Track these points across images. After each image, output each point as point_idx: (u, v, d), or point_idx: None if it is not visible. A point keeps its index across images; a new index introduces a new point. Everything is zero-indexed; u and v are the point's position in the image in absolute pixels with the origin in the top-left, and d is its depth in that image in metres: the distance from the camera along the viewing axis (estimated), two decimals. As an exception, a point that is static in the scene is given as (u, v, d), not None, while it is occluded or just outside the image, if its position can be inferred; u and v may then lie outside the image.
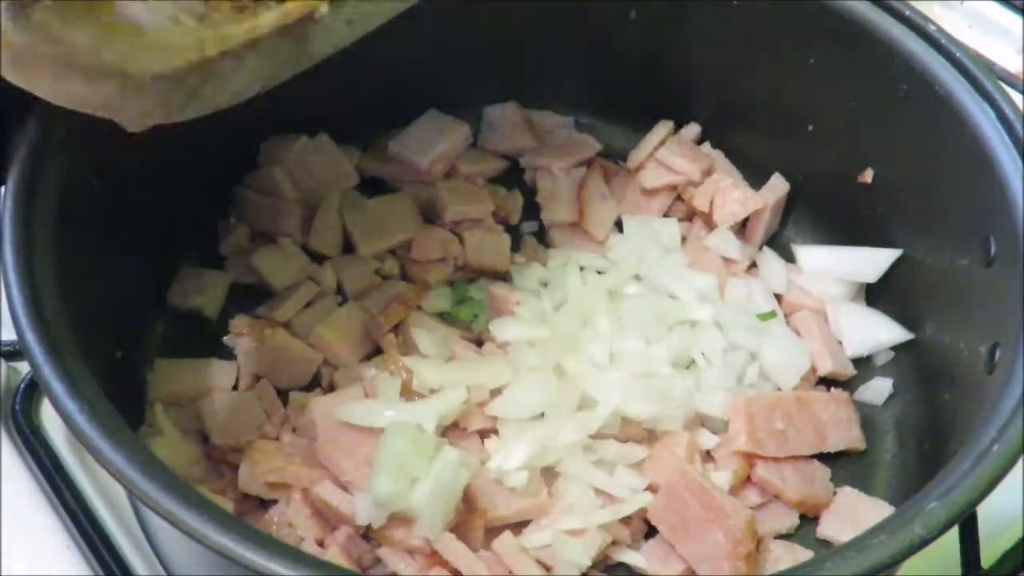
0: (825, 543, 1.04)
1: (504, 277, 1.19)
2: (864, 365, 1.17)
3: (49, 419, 1.09)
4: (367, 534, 0.97)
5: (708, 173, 1.26)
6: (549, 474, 1.01)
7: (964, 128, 1.01)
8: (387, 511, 0.94)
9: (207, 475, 1.02)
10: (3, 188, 0.86)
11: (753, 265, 1.24)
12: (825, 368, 1.14)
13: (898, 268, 1.16)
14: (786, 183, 1.25)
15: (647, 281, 1.18)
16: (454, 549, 0.93)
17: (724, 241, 1.22)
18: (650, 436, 1.06)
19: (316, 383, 1.10)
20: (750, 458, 1.05)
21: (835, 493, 1.06)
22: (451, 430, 1.04)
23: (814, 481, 1.06)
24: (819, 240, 1.25)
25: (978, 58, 1.06)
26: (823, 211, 1.25)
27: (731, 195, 1.22)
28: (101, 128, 0.80)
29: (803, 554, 1.01)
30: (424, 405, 1.02)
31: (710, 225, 1.24)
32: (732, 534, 0.95)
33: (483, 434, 1.04)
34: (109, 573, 0.99)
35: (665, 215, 1.26)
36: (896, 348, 1.16)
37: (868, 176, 1.16)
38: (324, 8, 0.84)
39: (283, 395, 1.08)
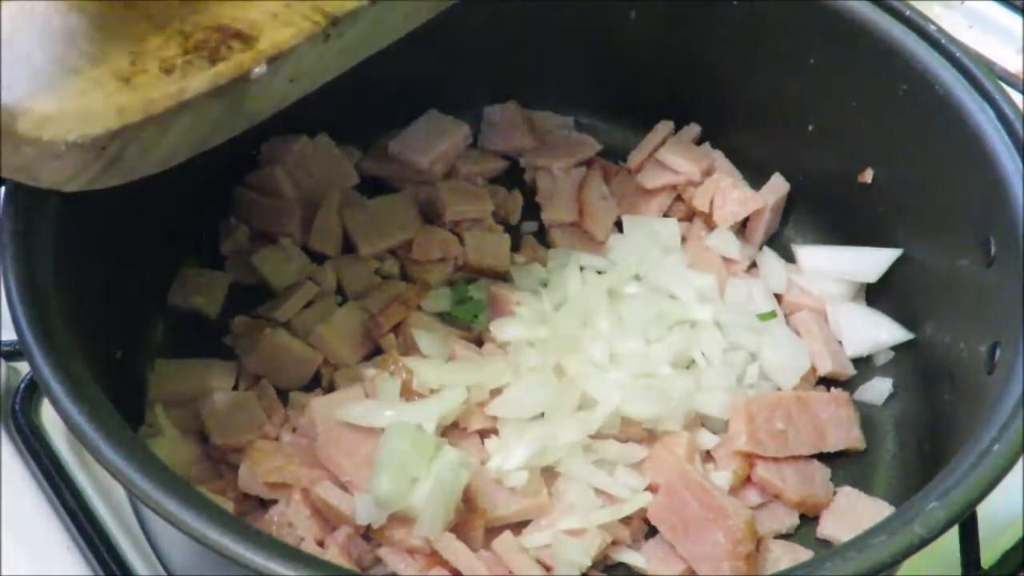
0: (825, 543, 1.04)
1: (504, 277, 1.19)
2: (864, 365, 1.17)
3: (49, 419, 1.09)
4: (367, 534, 0.97)
5: (708, 173, 1.26)
6: (549, 474, 1.01)
7: (964, 128, 1.01)
8: (387, 511, 0.94)
9: (207, 475, 1.02)
10: (2, 188, 0.86)
11: (753, 265, 1.24)
12: (825, 368, 1.14)
13: (898, 268, 1.16)
14: (786, 183, 1.25)
15: (647, 281, 1.18)
16: (454, 549, 0.93)
17: (724, 241, 1.22)
18: (650, 436, 1.06)
19: (316, 383, 1.10)
20: (750, 458, 1.05)
21: (835, 493, 1.06)
22: (451, 430, 1.04)
23: (814, 481, 1.06)
24: (819, 240, 1.25)
25: (978, 58, 1.06)
26: (823, 211, 1.25)
27: (731, 195, 1.23)
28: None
29: (803, 554, 1.01)
30: (424, 405, 1.02)
31: (710, 225, 1.24)
32: (732, 534, 0.95)
33: (483, 434, 1.04)
34: (109, 573, 0.99)
35: (665, 215, 1.26)
36: (896, 348, 1.16)
37: (868, 176, 1.16)
38: (261, 68, 0.79)
39: (283, 395, 1.08)
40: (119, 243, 0.99)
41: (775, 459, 1.05)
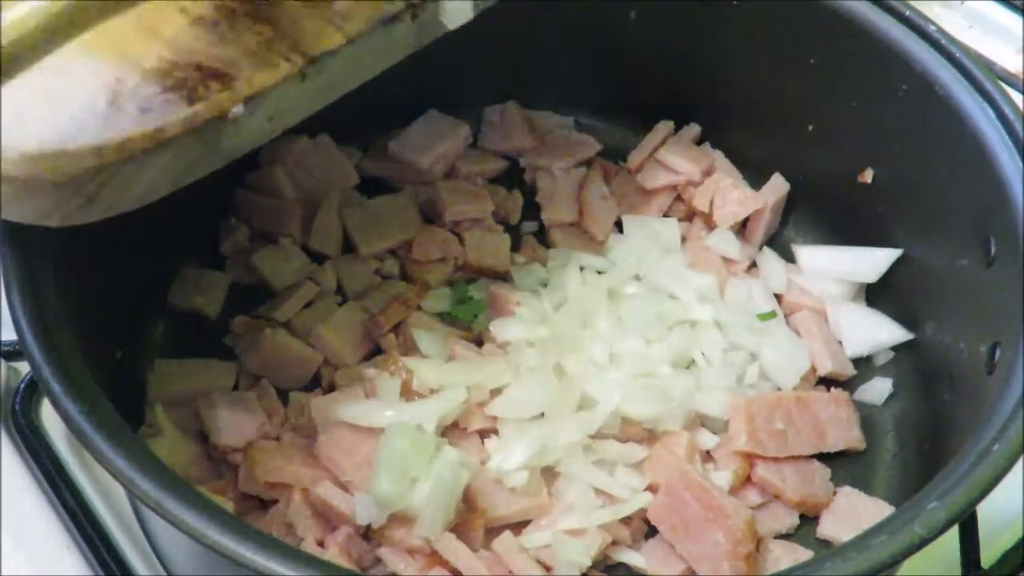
0: (825, 543, 1.04)
1: (504, 277, 1.19)
2: (864, 365, 1.17)
3: (49, 419, 1.09)
4: (367, 534, 0.97)
5: (708, 173, 1.26)
6: (549, 474, 1.01)
7: (964, 128, 1.01)
8: (387, 511, 0.94)
9: (207, 475, 1.02)
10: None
11: (753, 265, 1.24)
12: (825, 368, 1.14)
13: (898, 268, 1.16)
14: (786, 183, 1.25)
15: (647, 281, 1.18)
16: (454, 549, 0.93)
17: (724, 241, 1.22)
18: (650, 436, 1.06)
19: (316, 383, 1.10)
20: (750, 458, 1.05)
21: (835, 493, 1.06)
22: (451, 430, 1.04)
23: (814, 481, 1.06)
24: (819, 240, 1.25)
25: (978, 58, 1.06)
26: (823, 211, 1.25)
27: (731, 195, 1.23)
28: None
29: (803, 554, 1.01)
30: (424, 405, 1.02)
31: (710, 225, 1.24)
32: (732, 534, 0.95)
33: (483, 434, 1.04)
34: (109, 573, 0.99)
35: (665, 215, 1.26)
36: (896, 348, 1.16)
37: (868, 176, 1.16)
38: (239, 108, 0.79)
39: (283, 395, 1.08)
40: (119, 243, 0.98)
41: (775, 459, 1.05)
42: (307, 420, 1.03)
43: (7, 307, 0.82)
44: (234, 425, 1.02)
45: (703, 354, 1.11)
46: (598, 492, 1.01)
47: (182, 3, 0.81)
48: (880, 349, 1.16)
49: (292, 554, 0.71)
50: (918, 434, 1.11)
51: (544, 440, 1.00)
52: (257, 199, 1.22)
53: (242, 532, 0.71)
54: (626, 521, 1.00)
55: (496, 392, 1.05)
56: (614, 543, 0.99)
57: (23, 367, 1.11)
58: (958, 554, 1.01)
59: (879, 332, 1.16)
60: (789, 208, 1.27)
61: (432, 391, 1.04)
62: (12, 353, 1.08)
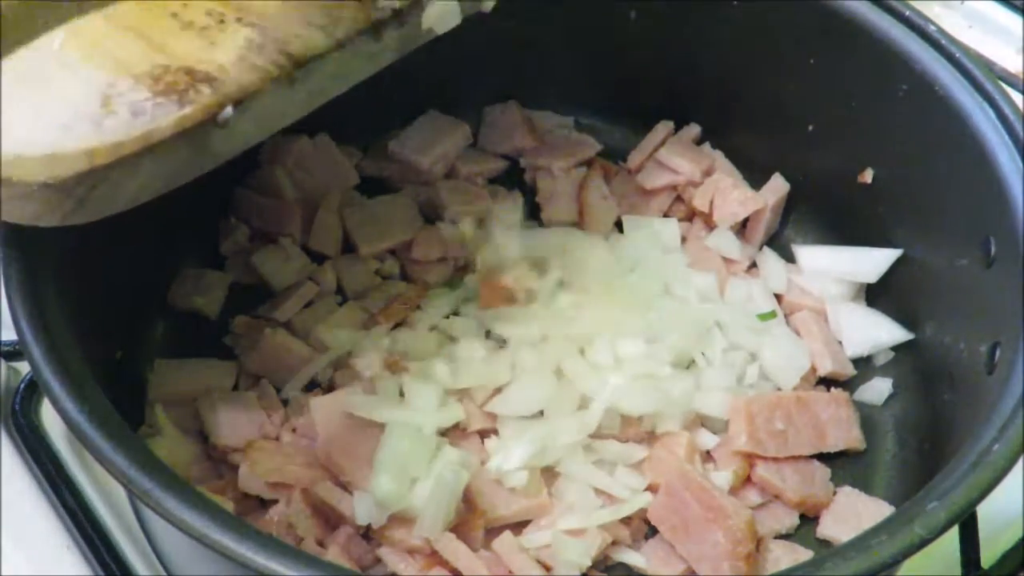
0: (825, 543, 1.04)
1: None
2: (864, 365, 1.17)
3: (49, 419, 1.09)
4: (367, 534, 0.97)
5: (708, 173, 1.26)
6: (549, 474, 1.01)
7: (964, 128, 1.01)
8: (387, 511, 0.94)
9: (207, 475, 1.02)
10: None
11: (753, 265, 1.24)
12: (825, 368, 1.14)
13: (898, 268, 1.16)
14: (786, 183, 1.25)
15: (647, 281, 1.17)
16: (454, 549, 0.94)
17: (724, 241, 1.22)
18: (650, 436, 1.06)
19: (316, 383, 1.10)
20: (750, 458, 1.05)
21: (835, 493, 1.06)
22: (451, 430, 1.04)
23: (814, 481, 1.06)
24: (819, 240, 1.25)
25: (978, 58, 1.06)
26: (823, 211, 1.25)
27: (731, 195, 1.23)
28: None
29: (803, 554, 1.01)
30: (424, 407, 1.02)
31: (710, 225, 1.24)
32: (732, 534, 0.95)
33: (483, 434, 1.04)
34: (109, 573, 0.99)
35: (665, 215, 1.26)
36: (896, 348, 1.16)
37: (868, 176, 1.16)
38: (228, 111, 0.80)
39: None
40: (119, 243, 0.99)
41: (775, 459, 1.05)
42: (307, 420, 1.03)
43: (7, 307, 0.82)
44: (234, 425, 1.03)
45: (703, 354, 1.11)
46: (598, 492, 1.01)
47: (173, 8, 0.82)
48: (880, 349, 1.16)
49: (292, 554, 0.71)
50: (918, 434, 1.11)
51: (544, 440, 1.00)
52: (257, 199, 1.22)
53: (242, 532, 0.71)
54: (626, 521, 1.00)
55: (496, 391, 1.05)
56: (614, 543, 0.99)
57: (23, 367, 1.11)
58: (958, 554, 1.01)
59: (879, 332, 1.16)
60: (789, 208, 1.26)
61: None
62: (12, 353, 1.08)
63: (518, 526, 0.99)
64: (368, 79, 0.93)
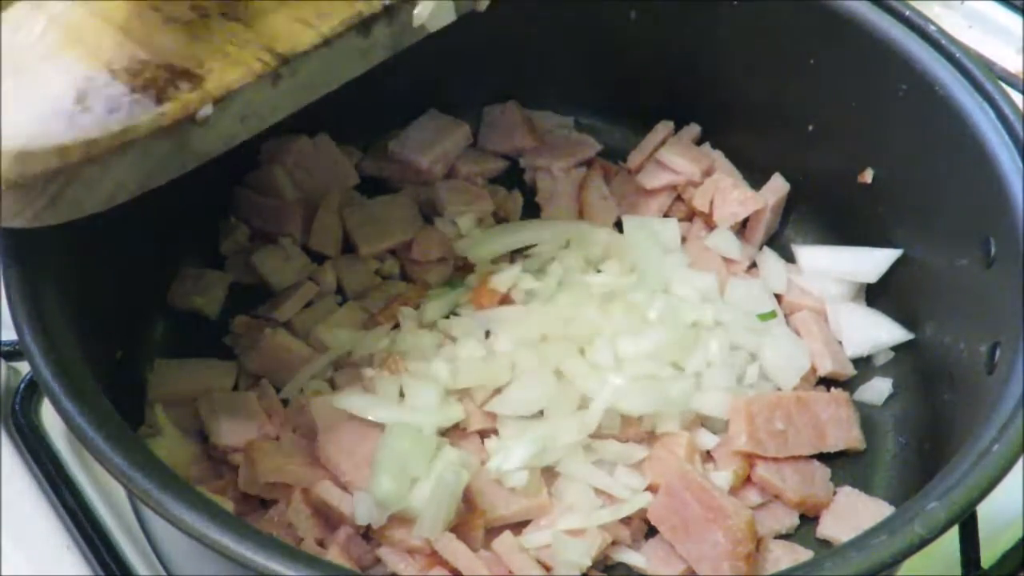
0: (825, 543, 1.04)
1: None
2: (864, 365, 1.17)
3: (49, 419, 1.09)
4: (367, 534, 0.97)
5: (708, 173, 1.26)
6: (549, 474, 1.01)
7: (964, 128, 1.01)
8: (387, 511, 0.94)
9: (207, 475, 1.02)
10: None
11: (753, 265, 1.24)
12: (825, 368, 1.14)
13: (898, 268, 1.16)
14: (786, 183, 1.25)
15: (647, 281, 1.17)
16: (454, 549, 0.94)
17: (724, 241, 1.22)
18: (650, 436, 1.06)
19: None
20: (750, 458, 1.05)
21: (835, 493, 1.06)
22: (451, 430, 1.04)
23: (814, 481, 1.06)
24: (819, 240, 1.25)
25: (978, 58, 1.06)
26: (823, 211, 1.25)
27: (731, 195, 1.22)
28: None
29: (803, 554, 1.01)
30: (424, 408, 1.02)
31: (710, 225, 1.24)
32: (732, 534, 0.95)
33: (483, 434, 1.04)
34: (109, 573, 0.99)
35: (665, 215, 1.26)
36: (896, 348, 1.16)
37: (868, 176, 1.16)
38: (208, 109, 0.78)
39: (283, 395, 1.08)
40: (119, 243, 0.99)
41: (775, 459, 1.05)
42: (307, 420, 1.03)
43: (7, 307, 0.82)
44: (234, 425, 1.02)
45: (703, 354, 1.11)
46: (598, 492, 1.01)
47: (156, 2, 0.80)
48: (880, 349, 1.16)
49: (292, 554, 0.71)
50: (918, 434, 1.11)
51: (544, 440, 1.00)
52: (257, 199, 1.22)
53: (242, 532, 0.71)
54: (626, 521, 1.00)
55: (496, 391, 1.05)
56: (614, 543, 0.99)
57: (23, 367, 1.11)
58: (958, 554, 1.01)
59: (879, 332, 1.16)
60: (789, 208, 1.26)
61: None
62: (12, 353, 1.08)
63: (518, 526, 0.99)
64: (368, 79, 0.93)
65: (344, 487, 0.98)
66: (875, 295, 1.19)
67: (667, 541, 0.99)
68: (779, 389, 1.12)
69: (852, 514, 1.03)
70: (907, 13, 1.06)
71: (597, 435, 1.03)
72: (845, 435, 1.09)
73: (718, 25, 1.18)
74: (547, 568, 0.97)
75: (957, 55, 1.03)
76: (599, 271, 1.18)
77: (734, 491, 1.04)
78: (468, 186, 1.27)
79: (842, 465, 1.09)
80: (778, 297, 1.20)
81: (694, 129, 1.30)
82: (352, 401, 1.01)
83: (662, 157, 1.27)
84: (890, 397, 1.14)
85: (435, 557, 0.94)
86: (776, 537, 1.03)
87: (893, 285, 1.17)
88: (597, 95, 1.33)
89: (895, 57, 1.06)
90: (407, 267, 1.20)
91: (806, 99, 1.18)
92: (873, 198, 1.17)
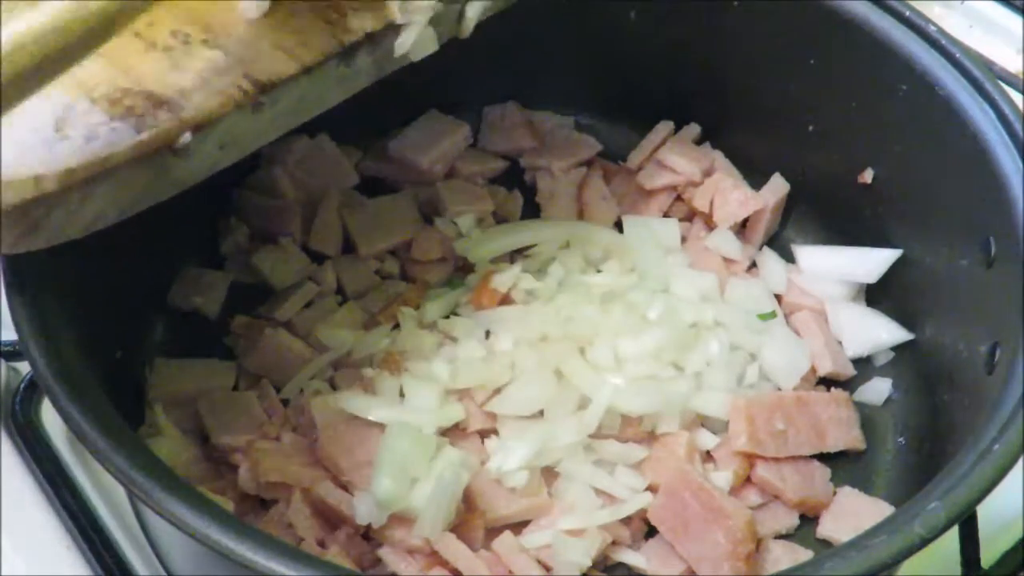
0: (825, 543, 1.04)
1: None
2: (864, 365, 1.17)
3: (49, 419, 1.09)
4: (367, 534, 0.97)
5: (708, 173, 1.26)
6: (549, 474, 1.01)
7: (964, 128, 1.01)
8: (387, 511, 0.94)
9: (207, 475, 1.01)
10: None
11: (753, 265, 1.24)
12: (825, 368, 1.14)
13: (898, 268, 1.16)
14: (786, 183, 1.25)
15: (647, 281, 1.17)
16: (454, 549, 0.94)
17: (724, 241, 1.22)
18: (650, 436, 1.06)
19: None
20: (750, 458, 1.05)
21: (835, 493, 1.06)
22: (451, 430, 1.04)
23: (814, 481, 1.06)
24: (819, 240, 1.25)
25: (978, 58, 1.06)
26: (823, 211, 1.25)
27: (731, 195, 1.23)
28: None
29: (803, 554, 1.01)
30: (424, 411, 1.02)
31: (710, 225, 1.24)
32: (732, 534, 0.95)
33: (483, 434, 1.04)
34: (109, 573, 0.99)
35: (665, 215, 1.26)
36: (896, 348, 1.16)
37: (868, 176, 1.16)
38: (187, 137, 0.77)
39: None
40: (119, 243, 0.98)
41: (775, 459, 1.05)
42: (307, 420, 1.03)
43: (7, 307, 0.82)
44: (234, 425, 1.02)
45: (703, 354, 1.11)
46: (598, 492, 1.01)
47: (138, 27, 0.80)
48: (880, 349, 1.16)
49: (292, 554, 0.71)
50: (918, 434, 1.11)
51: (544, 440, 1.00)
52: (257, 199, 1.22)
53: (242, 532, 0.71)
54: (626, 521, 1.00)
55: (496, 391, 1.05)
56: (614, 543, 0.99)
57: (23, 367, 1.11)
58: (958, 554, 1.01)
59: (879, 332, 1.16)
60: (789, 208, 1.26)
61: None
62: (12, 353, 1.08)
63: (518, 526, 0.99)
64: (331, 106, 0.92)
65: (344, 487, 0.98)
66: (875, 295, 1.19)
67: (667, 541, 0.99)
68: (779, 389, 1.12)
69: (852, 514, 1.03)
70: (907, 13, 1.07)
71: (597, 435, 1.03)
72: (845, 435, 1.09)
73: (718, 25, 1.18)
74: (547, 568, 0.97)
75: (957, 55, 1.03)
76: (599, 271, 1.18)
77: (734, 491, 1.04)
78: (468, 186, 1.27)
79: (842, 465, 1.09)
80: (778, 297, 1.20)
81: (694, 129, 1.30)
82: (352, 401, 1.01)
83: (662, 157, 1.27)
84: (890, 397, 1.14)
85: (435, 557, 0.94)
86: (776, 537, 1.03)
87: (893, 285, 1.17)
88: (597, 95, 1.33)
89: (895, 57, 1.06)
90: (407, 267, 1.20)
91: (806, 99, 1.18)
92: (873, 198, 1.17)
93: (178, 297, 1.15)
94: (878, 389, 1.14)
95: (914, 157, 1.10)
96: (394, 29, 0.90)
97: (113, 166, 0.74)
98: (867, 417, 1.12)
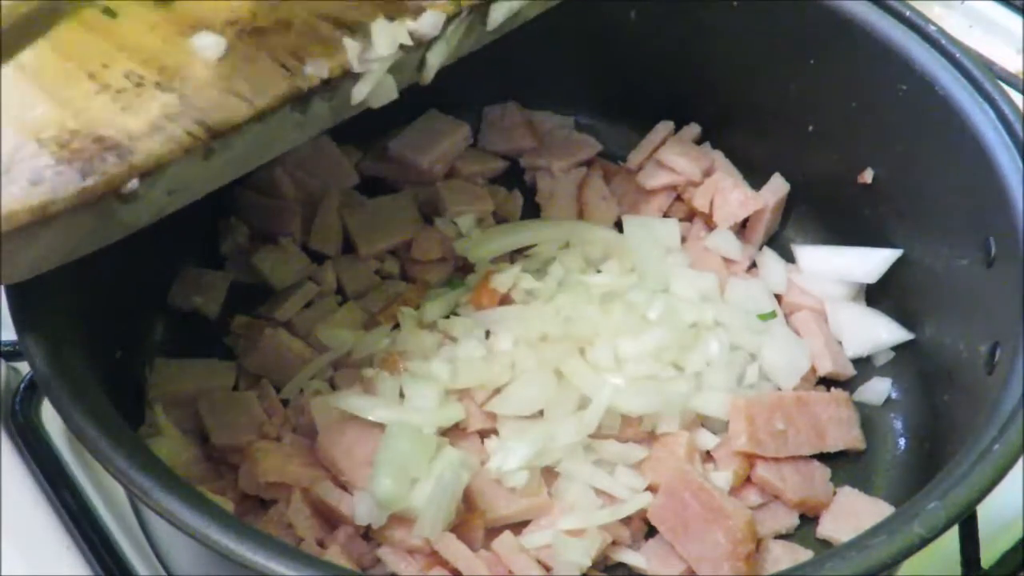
0: (825, 543, 1.04)
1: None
2: (864, 365, 1.17)
3: (49, 419, 1.09)
4: (367, 534, 0.97)
5: (708, 173, 1.26)
6: (549, 474, 1.01)
7: (964, 128, 1.01)
8: (387, 511, 0.94)
9: (207, 475, 1.02)
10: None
11: (753, 265, 1.24)
12: (825, 368, 1.14)
13: (898, 268, 1.16)
14: (786, 183, 1.25)
15: (647, 281, 1.17)
16: (454, 549, 0.94)
17: (724, 241, 1.22)
18: (650, 436, 1.06)
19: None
20: (750, 458, 1.05)
21: (835, 493, 1.06)
22: (451, 430, 1.04)
23: (814, 481, 1.06)
24: (819, 240, 1.25)
25: (978, 58, 1.06)
26: (823, 211, 1.25)
27: (731, 195, 1.23)
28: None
29: (803, 554, 1.01)
30: (424, 411, 1.02)
31: (710, 225, 1.24)
32: (732, 534, 0.95)
33: (483, 434, 1.04)
34: (109, 573, 0.99)
35: (665, 215, 1.26)
36: (896, 348, 1.16)
37: (868, 176, 1.16)
38: (134, 183, 0.75)
39: (283, 395, 1.08)
40: (119, 243, 0.98)
41: (775, 459, 1.05)
42: (307, 420, 1.03)
43: (7, 307, 0.82)
44: (234, 425, 1.03)
45: (703, 354, 1.11)
46: (598, 492, 1.01)
47: (92, 68, 0.78)
48: (880, 349, 1.16)
49: (292, 554, 0.71)
50: (918, 434, 1.11)
51: (544, 440, 1.00)
52: (257, 199, 1.22)
53: (242, 532, 0.71)
54: (626, 521, 1.00)
55: (496, 391, 1.05)
56: (614, 543, 0.99)
57: (23, 367, 1.11)
58: (958, 554, 1.01)
59: (879, 332, 1.16)
60: (789, 208, 1.27)
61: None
62: (12, 353, 1.08)
63: (518, 526, 0.99)
64: (285, 151, 0.91)
65: (344, 487, 0.98)
66: (875, 295, 1.19)
67: (667, 541, 0.99)
68: (779, 389, 1.12)
69: (852, 514, 1.03)
70: (907, 13, 1.07)
71: (597, 435, 1.03)
72: (845, 435, 1.09)
73: (718, 25, 1.18)
74: (547, 568, 0.97)
75: (957, 55, 1.03)
76: (599, 271, 1.18)
77: (734, 491, 1.04)
78: (468, 186, 1.27)
79: (842, 465, 1.09)
80: (778, 297, 1.20)
81: (694, 129, 1.30)
82: (352, 401, 1.01)
83: (662, 157, 1.27)
84: (890, 397, 1.14)
85: (435, 557, 0.94)
86: (776, 537, 1.03)
87: (893, 285, 1.17)
88: (597, 95, 1.33)
89: (895, 57, 1.06)
90: (407, 267, 1.20)
91: (806, 99, 1.18)
92: (873, 198, 1.17)
93: (178, 297, 1.15)
94: (878, 389, 1.14)
95: (914, 157, 1.10)
96: (352, 76, 0.88)
97: (56, 212, 0.72)
98: (867, 417, 1.12)
